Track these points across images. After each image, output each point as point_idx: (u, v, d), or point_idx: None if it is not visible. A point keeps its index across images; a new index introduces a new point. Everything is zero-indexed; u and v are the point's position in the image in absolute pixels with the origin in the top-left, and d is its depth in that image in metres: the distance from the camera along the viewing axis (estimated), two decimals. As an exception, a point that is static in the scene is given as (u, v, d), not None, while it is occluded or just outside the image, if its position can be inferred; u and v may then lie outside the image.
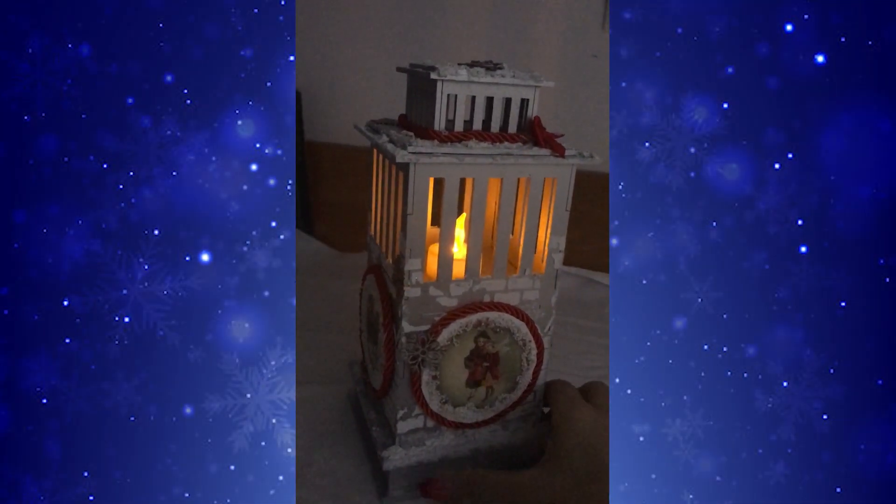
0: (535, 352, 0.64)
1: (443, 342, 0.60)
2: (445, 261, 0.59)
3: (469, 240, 0.59)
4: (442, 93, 0.54)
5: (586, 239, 1.36)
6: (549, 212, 0.62)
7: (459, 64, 0.57)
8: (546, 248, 0.62)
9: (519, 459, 0.68)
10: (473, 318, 0.60)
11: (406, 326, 0.59)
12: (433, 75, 0.53)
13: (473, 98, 0.56)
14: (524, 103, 0.58)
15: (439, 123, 0.56)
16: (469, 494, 0.62)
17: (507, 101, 0.57)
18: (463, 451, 0.66)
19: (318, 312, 1.10)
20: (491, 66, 0.56)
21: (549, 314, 0.64)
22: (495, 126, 0.58)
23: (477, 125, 0.57)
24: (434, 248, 0.60)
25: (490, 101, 0.57)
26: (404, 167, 0.54)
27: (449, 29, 1.36)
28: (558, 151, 0.56)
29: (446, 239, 0.58)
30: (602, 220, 1.34)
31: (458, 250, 0.64)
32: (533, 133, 0.56)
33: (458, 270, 0.60)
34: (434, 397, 0.62)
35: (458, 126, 0.58)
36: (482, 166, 0.55)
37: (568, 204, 0.61)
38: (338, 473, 0.70)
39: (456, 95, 0.55)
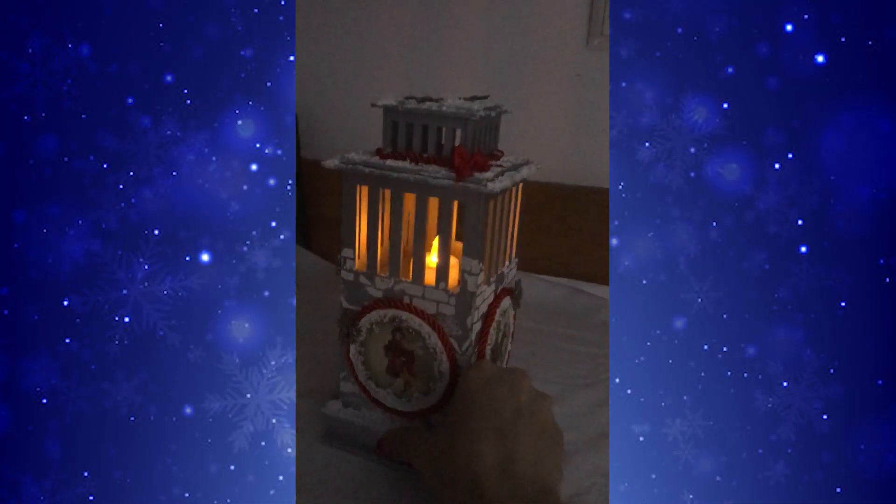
0: (446, 364, 0.67)
1: (364, 326, 0.69)
2: (372, 257, 0.68)
3: (390, 244, 0.67)
4: (385, 119, 0.65)
5: (575, 250, 1.36)
6: (453, 234, 0.66)
7: (408, 98, 0.65)
8: (459, 268, 0.65)
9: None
10: (389, 312, 0.67)
11: (343, 302, 0.71)
12: (376, 104, 0.64)
13: (412, 124, 0.64)
14: (454, 132, 0.63)
15: (386, 144, 0.66)
16: (402, 447, 0.67)
17: (439, 130, 0.64)
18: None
19: (313, 324, 1.08)
20: (421, 100, 0.64)
21: (466, 335, 0.66)
22: (430, 150, 0.64)
23: (424, 149, 0.65)
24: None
25: (425, 128, 0.64)
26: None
27: (447, 53, 1.37)
28: (458, 178, 0.60)
29: (374, 239, 0.68)
30: (590, 231, 1.34)
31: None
32: (452, 158, 0.61)
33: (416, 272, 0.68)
34: (361, 370, 0.72)
35: (416, 149, 0.66)
36: (399, 182, 0.63)
37: (480, 229, 0.63)
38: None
39: (396, 122, 0.64)
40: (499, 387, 0.61)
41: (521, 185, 0.74)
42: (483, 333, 0.69)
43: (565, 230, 1.34)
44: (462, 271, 0.65)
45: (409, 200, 0.68)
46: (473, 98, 0.67)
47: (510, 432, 0.56)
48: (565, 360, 1.07)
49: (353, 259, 0.68)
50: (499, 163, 0.68)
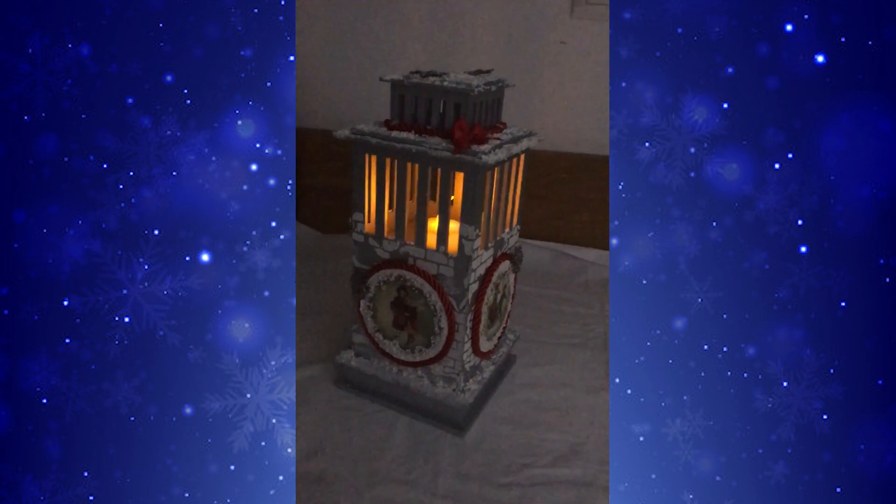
0: (445, 320, 0.73)
1: (372, 283, 0.76)
2: (379, 221, 0.73)
3: (396, 210, 0.72)
4: (393, 93, 0.69)
5: (559, 215, 1.42)
6: (455, 202, 0.71)
7: (413, 72, 0.69)
8: (458, 234, 0.70)
9: (438, 412, 0.80)
10: (395, 272, 0.74)
11: (355, 262, 0.77)
12: (383, 78, 0.69)
13: (417, 98, 0.68)
14: (456, 106, 0.66)
15: (393, 116, 0.70)
16: None
17: (442, 104, 0.67)
18: (399, 380, 0.80)
19: (306, 297, 1.13)
20: (426, 74, 0.68)
21: (463, 294, 0.71)
22: (434, 123, 0.68)
23: (428, 121, 0.69)
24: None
25: (430, 102, 0.68)
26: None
27: (466, 28, 1.37)
28: (457, 150, 0.64)
29: (381, 204, 0.73)
30: (573, 197, 1.38)
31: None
32: (452, 131, 0.65)
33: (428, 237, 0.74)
34: (370, 323, 0.79)
35: (420, 121, 0.70)
36: (403, 152, 0.68)
37: (477, 198, 0.67)
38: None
39: (403, 95, 0.68)
40: None
41: (523, 157, 0.78)
42: (480, 294, 0.74)
43: (550, 196, 1.37)
44: (460, 236, 0.69)
45: (415, 170, 0.72)
46: (478, 72, 0.71)
47: None
48: (555, 321, 1.14)
49: (363, 223, 0.74)
50: (499, 135, 0.71)
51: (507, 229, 0.79)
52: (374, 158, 0.72)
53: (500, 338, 0.88)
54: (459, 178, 0.69)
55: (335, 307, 1.09)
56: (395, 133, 0.68)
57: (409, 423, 0.82)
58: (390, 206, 0.75)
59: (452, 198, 0.72)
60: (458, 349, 0.76)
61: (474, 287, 0.73)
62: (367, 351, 0.83)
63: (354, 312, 0.80)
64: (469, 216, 0.68)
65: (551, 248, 1.39)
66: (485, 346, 0.80)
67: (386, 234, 0.74)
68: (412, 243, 0.73)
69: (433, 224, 0.72)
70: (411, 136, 0.68)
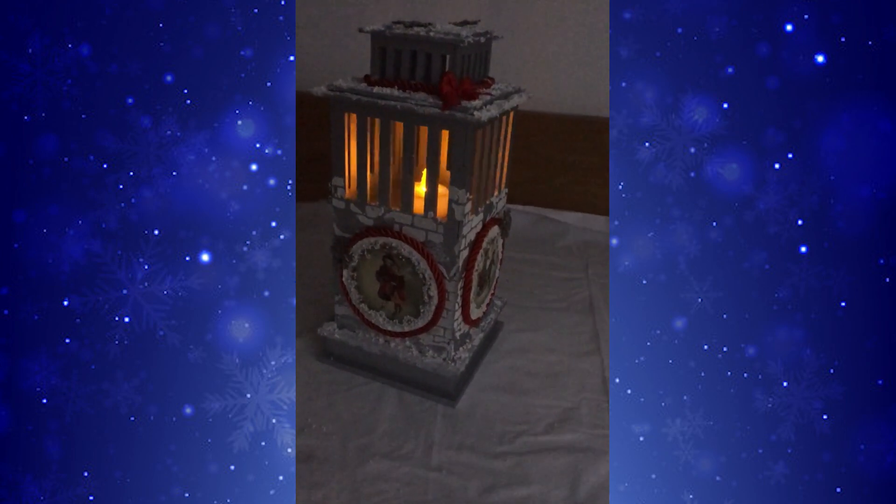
0: (435, 288, 0.69)
1: (356, 252, 0.71)
2: (362, 186, 0.69)
3: (379, 174, 0.67)
4: (373, 46, 0.63)
5: (540, 178, 1.40)
6: (444, 162, 0.67)
7: (395, 23, 0.63)
8: (447, 198, 0.67)
9: (429, 383, 0.78)
10: (380, 240, 0.69)
11: (336, 230, 0.72)
12: (363, 29, 0.63)
13: (400, 51, 0.63)
14: (444, 59, 0.62)
15: (374, 71, 0.64)
16: None
17: (428, 56, 0.62)
18: (386, 351, 0.77)
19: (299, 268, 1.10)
20: (409, 25, 0.63)
21: (453, 261, 0.68)
22: (418, 77, 0.63)
23: (412, 76, 0.64)
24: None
25: (414, 54, 0.62)
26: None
27: None
28: (445, 106, 0.59)
29: (363, 168, 0.67)
30: (552, 160, 1.37)
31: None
32: (440, 86, 0.60)
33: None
34: (354, 294, 0.75)
35: (404, 76, 0.65)
36: (386, 110, 0.62)
37: (468, 158, 0.63)
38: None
39: (384, 48, 0.63)
40: None
41: (511, 115, 0.73)
42: (470, 260, 0.71)
43: (529, 158, 1.35)
44: (450, 201, 0.66)
45: (398, 129, 0.68)
46: (464, 23, 0.66)
47: None
48: (538, 286, 1.14)
49: (344, 188, 0.69)
50: (488, 90, 0.67)
51: (496, 193, 0.76)
52: (353, 117, 0.67)
53: (488, 304, 0.86)
54: (445, 138, 0.65)
55: (311, 277, 1.06)
56: (376, 89, 0.63)
57: (397, 394, 0.80)
58: (372, 170, 0.71)
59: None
60: (449, 318, 0.73)
61: (465, 254, 0.70)
62: (351, 322, 0.80)
63: (336, 283, 0.77)
64: (459, 178, 0.64)
65: (531, 213, 1.38)
66: (475, 313, 0.79)
67: (369, 200, 0.70)
68: (398, 209, 0.69)
69: (419, 188, 0.68)
70: (395, 91, 0.63)
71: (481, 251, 0.73)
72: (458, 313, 0.74)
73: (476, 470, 0.70)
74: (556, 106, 1.38)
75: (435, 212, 0.67)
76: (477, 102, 0.61)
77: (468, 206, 0.67)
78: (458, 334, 0.77)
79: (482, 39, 0.66)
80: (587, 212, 1.40)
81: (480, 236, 0.73)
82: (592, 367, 0.90)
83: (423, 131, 0.66)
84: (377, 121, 0.66)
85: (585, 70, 1.34)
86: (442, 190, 0.68)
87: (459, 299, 0.73)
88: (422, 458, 0.71)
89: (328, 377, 0.82)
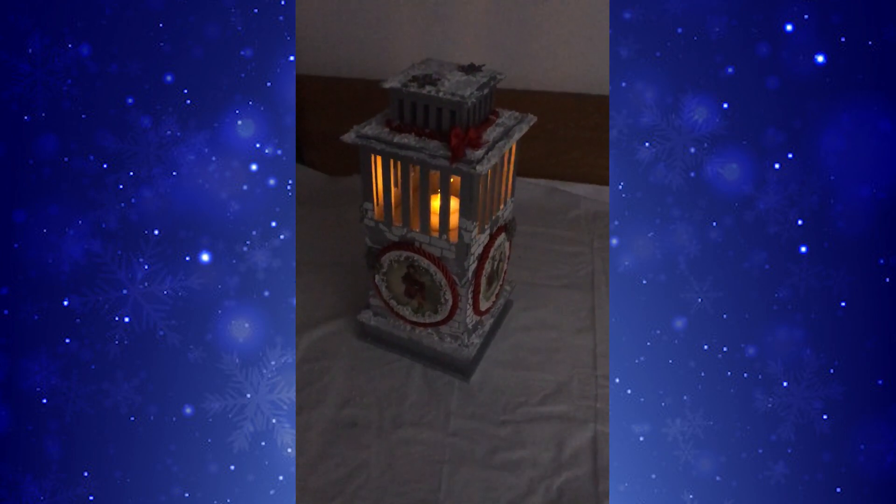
0: (449, 294, 0.83)
1: (385, 261, 0.86)
2: (387, 209, 0.82)
3: (401, 202, 0.80)
4: (392, 98, 0.75)
5: (552, 153, 1.43)
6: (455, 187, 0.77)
7: (410, 80, 0.74)
8: (457, 225, 0.79)
9: (447, 362, 0.93)
10: (404, 253, 0.83)
11: (367, 242, 0.87)
12: (382, 85, 0.74)
13: (415, 105, 0.74)
14: (453, 113, 0.72)
15: (394, 117, 0.76)
16: None
17: (439, 110, 0.72)
18: (413, 336, 0.92)
19: (322, 247, 1.21)
20: (423, 82, 0.74)
21: (464, 273, 0.81)
22: (431, 125, 0.74)
23: (426, 124, 0.75)
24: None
25: (427, 108, 0.73)
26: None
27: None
28: (453, 159, 0.70)
29: (388, 196, 0.80)
30: (565, 137, 1.40)
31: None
32: (449, 138, 0.71)
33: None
34: (384, 292, 0.90)
35: (419, 125, 0.76)
36: (405, 158, 0.74)
37: (474, 198, 0.74)
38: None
39: (402, 101, 0.74)
40: None
41: (515, 145, 0.83)
42: (478, 270, 0.84)
43: (542, 136, 1.36)
44: (459, 228, 0.78)
45: (416, 169, 0.79)
46: (471, 67, 0.78)
47: None
48: (547, 262, 1.20)
49: (373, 210, 0.83)
50: (492, 129, 0.77)
51: (501, 206, 0.87)
52: (378, 159, 0.78)
53: (497, 294, 0.98)
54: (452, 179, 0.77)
55: (349, 256, 1.16)
56: (396, 138, 0.74)
57: (422, 370, 0.94)
58: (396, 205, 0.83)
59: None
60: (462, 314, 0.87)
61: (473, 266, 0.82)
62: (383, 312, 0.94)
63: (370, 282, 0.91)
64: (467, 212, 0.75)
65: (543, 185, 1.42)
66: (484, 305, 0.91)
67: (394, 222, 0.83)
68: (418, 230, 0.81)
69: (435, 204, 0.79)
70: (412, 139, 0.74)
71: (489, 259, 0.85)
72: (469, 310, 0.87)
73: (483, 435, 0.84)
74: (571, 84, 1.40)
75: (448, 235, 0.79)
76: (480, 152, 0.71)
77: (475, 232, 0.78)
78: (470, 325, 0.90)
79: (486, 90, 0.75)
80: (598, 183, 1.42)
81: (488, 248, 0.84)
82: (586, 342, 1.00)
83: (435, 174, 0.78)
84: (398, 164, 0.79)
85: (599, 47, 1.34)
86: (454, 206, 0.79)
87: (470, 300, 0.86)
88: (441, 426, 0.85)
89: (367, 354, 0.97)
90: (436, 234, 0.80)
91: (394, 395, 0.90)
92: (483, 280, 0.86)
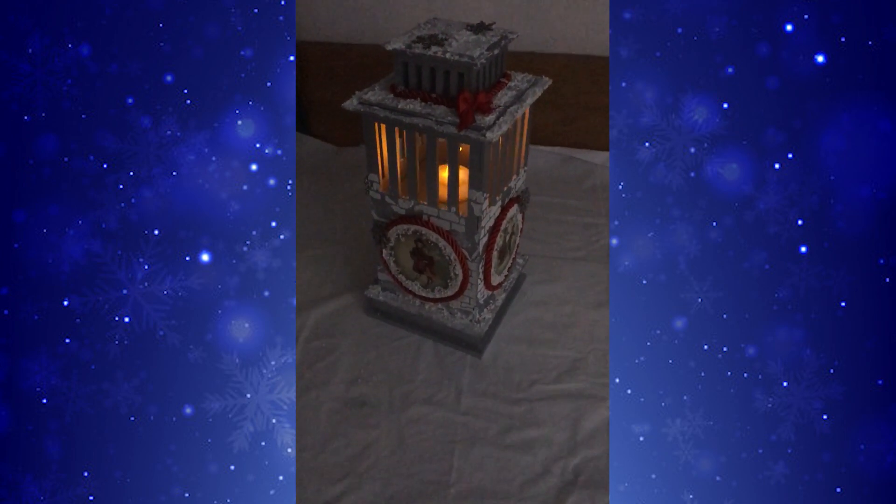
0: (459, 268, 0.79)
1: (392, 235, 0.82)
2: (393, 181, 0.77)
3: (407, 173, 0.76)
4: (396, 61, 0.69)
5: (567, 119, 1.36)
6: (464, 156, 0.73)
7: (415, 41, 0.69)
8: (466, 197, 0.74)
9: (458, 338, 0.89)
10: (412, 227, 0.79)
11: (374, 215, 0.83)
12: (386, 46, 0.69)
13: (420, 68, 0.68)
14: (460, 76, 0.67)
15: (398, 82, 0.71)
16: None
17: (446, 73, 0.67)
18: (423, 312, 0.89)
19: (330, 222, 1.17)
20: (429, 42, 0.68)
21: (475, 247, 0.77)
22: (438, 90, 0.69)
23: (433, 89, 0.70)
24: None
25: (433, 70, 0.68)
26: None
27: None
28: (461, 125, 0.65)
29: (394, 166, 0.75)
30: (581, 102, 1.33)
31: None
32: (457, 103, 0.65)
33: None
34: (393, 267, 0.86)
35: (425, 89, 0.71)
36: (410, 125, 0.69)
37: (484, 167, 0.69)
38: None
39: (406, 63, 0.69)
40: None
41: (528, 110, 0.78)
42: (490, 243, 0.79)
43: (557, 101, 1.30)
44: (469, 200, 0.73)
45: (422, 137, 0.75)
46: (480, 26, 0.71)
47: None
48: (561, 234, 1.15)
49: (378, 182, 0.79)
50: (503, 93, 0.72)
51: (514, 176, 0.82)
52: (383, 127, 0.74)
53: (510, 268, 0.94)
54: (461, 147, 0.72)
55: (357, 230, 1.13)
56: (401, 104, 0.69)
57: (433, 346, 0.90)
58: (402, 176, 0.78)
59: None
60: (473, 289, 0.83)
61: (484, 240, 0.78)
62: (392, 287, 0.91)
63: (377, 257, 0.87)
64: (476, 183, 0.71)
65: (558, 153, 1.36)
66: (495, 279, 0.87)
67: (400, 194, 0.78)
68: (425, 203, 0.77)
69: (443, 175, 0.75)
70: (418, 104, 0.69)
71: (500, 232, 0.81)
72: (480, 285, 0.83)
73: (496, 414, 0.81)
74: (588, 45, 1.33)
75: (457, 207, 0.75)
76: (490, 118, 0.66)
77: (485, 204, 0.73)
78: (481, 300, 0.86)
79: (496, 51, 0.69)
80: None
81: (499, 220, 0.80)
82: (602, 317, 0.95)
83: (444, 141, 0.72)
84: (403, 132, 0.74)
85: (607, 11, 1.29)
86: (463, 177, 0.74)
87: (481, 274, 0.82)
88: (453, 404, 0.82)
89: (376, 331, 0.93)
90: (444, 207, 0.76)
91: (403, 373, 0.86)
92: (494, 254, 0.82)
